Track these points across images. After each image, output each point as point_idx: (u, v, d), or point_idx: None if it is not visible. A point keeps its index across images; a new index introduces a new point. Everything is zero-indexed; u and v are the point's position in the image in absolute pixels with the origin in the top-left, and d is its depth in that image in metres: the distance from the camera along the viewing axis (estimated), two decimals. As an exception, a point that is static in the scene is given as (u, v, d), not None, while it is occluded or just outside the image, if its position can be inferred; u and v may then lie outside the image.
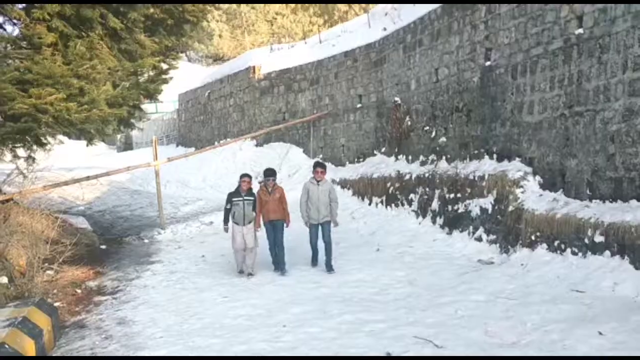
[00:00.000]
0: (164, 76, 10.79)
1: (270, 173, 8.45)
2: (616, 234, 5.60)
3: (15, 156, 8.93)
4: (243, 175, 8.47)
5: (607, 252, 5.70)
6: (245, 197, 8.15)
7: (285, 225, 8.36)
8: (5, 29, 10.30)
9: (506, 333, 4.81)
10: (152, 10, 10.47)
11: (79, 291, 8.45)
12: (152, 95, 10.46)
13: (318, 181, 8.14)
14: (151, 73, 10.69)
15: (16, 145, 8.57)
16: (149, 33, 10.77)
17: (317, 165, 8.42)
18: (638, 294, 5.03)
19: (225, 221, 8.40)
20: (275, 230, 8.25)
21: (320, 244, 8.26)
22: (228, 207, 8.26)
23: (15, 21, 9.71)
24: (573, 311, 4.99)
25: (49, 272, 8.93)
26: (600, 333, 4.43)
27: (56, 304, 7.57)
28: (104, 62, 9.30)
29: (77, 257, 9.21)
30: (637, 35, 5.92)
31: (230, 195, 8.28)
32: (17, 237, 8.92)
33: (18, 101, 7.52)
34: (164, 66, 11.18)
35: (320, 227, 8.11)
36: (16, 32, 10.00)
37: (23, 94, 7.66)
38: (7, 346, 5.16)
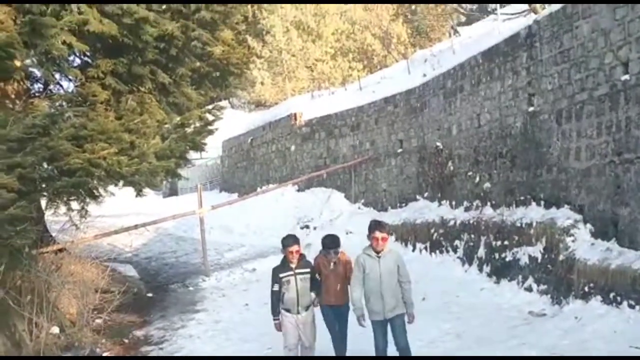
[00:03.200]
0: (209, 127, 11.12)
1: (331, 243, 5.90)
2: (676, 287, 5.36)
3: (70, 209, 9.28)
4: (287, 241, 5.84)
5: (667, 306, 5.45)
6: (298, 271, 5.71)
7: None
8: (62, 86, 10.90)
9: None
10: (198, 64, 10.89)
11: (126, 341, 8.58)
12: (198, 147, 10.78)
13: (378, 252, 5.29)
14: (197, 124, 11.04)
15: (70, 198, 8.92)
16: (196, 86, 11.18)
17: (375, 226, 5.36)
18: None
19: (275, 311, 5.81)
20: (338, 318, 5.91)
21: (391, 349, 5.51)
22: (276, 288, 5.73)
23: (71, 78, 10.27)
24: (634, 371, 4.75)
25: (98, 321, 9.14)
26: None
27: (105, 354, 7.72)
28: (153, 116, 9.67)
29: (125, 305, 9.41)
30: (687, 81, 5.79)
31: (276, 271, 5.79)
32: (68, 286, 9.19)
33: (73, 156, 7.86)
34: (210, 117, 11.53)
35: (388, 325, 5.40)
36: (71, 88, 10.56)
37: (78, 149, 8.00)
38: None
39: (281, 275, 5.72)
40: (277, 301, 5.76)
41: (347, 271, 5.80)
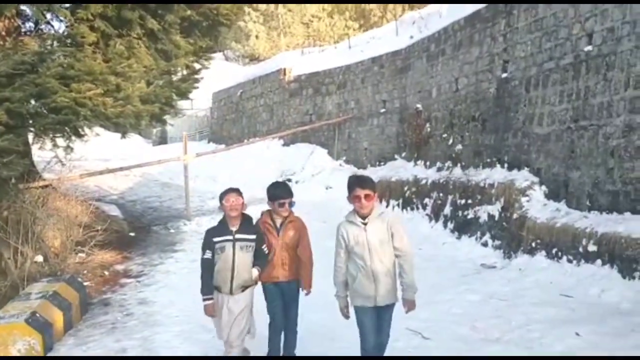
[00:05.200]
0: (195, 76, 11.36)
1: (281, 191, 4.62)
2: (608, 244, 5.87)
3: (55, 145, 9.61)
4: (227, 192, 4.42)
5: (599, 261, 5.96)
6: (239, 236, 4.34)
7: (303, 290, 4.65)
8: (52, 26, 11.06)
9: (491, 330, 5.15)
10: (188, 12, 11.05)
11: (106, 273, 9.07)
12: (183, 94, 11.03)
13: (364, 217, 3.96)
14: (184, 72, 11.28)
15: (56, 135, 9.24)
16: (185, 34, 11.36)
17: (355, 182, 4.00)
18: (621, 301, 5.29)
19: (206, 289, 4.36)
20: (284, 298, 4.61)
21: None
22: (207, 255, 4.35)
23: (62, 19, 10.44)
24: (557, 314, 5.29)
25: (80, 254, 9.61)
26: (577, 334, 4.73)
27: (85, 283, 8.20)
28: (141, 61, 9.91)
29: (107, 242, 9.88)
30: (640, 54, 6.16)
31: (210, 234, 4.40)
32: (53, 220, 9.61)
33: (60, 94, 8.15)
34: (197, 66, 11.76)
35: (376, 314, 4.03)
36: (62, 29, 10.74)
37: (65, 88, 8.28)
38: (38, 315, 5.76)
39: (215, 239, 4.31)
40: (208, 274, 4.32)
41: (300, 237, 4.57)
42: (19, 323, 5.52)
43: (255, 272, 4.40)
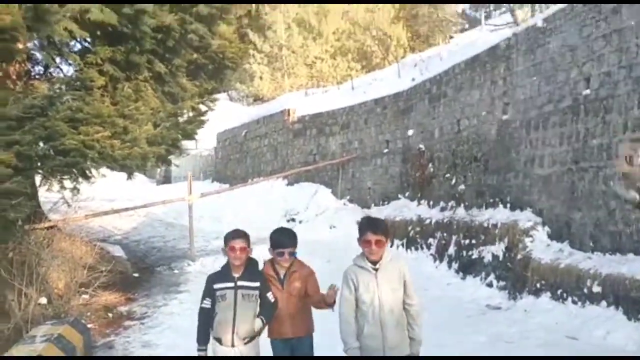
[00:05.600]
0: (201, 118, 11.58)
1: (282, 239, 4.14)
2: (612, 285, 5.88)
3: (62, 187, 9.75)
4: (232, 237, 4.06)
5: (604, 302, 5.97)
6: (242, 283, 3.99)
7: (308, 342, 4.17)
8: (62, 70, 11.36)
9: (497, 373, 5.11)
10: (194, 56, 11.36)
11: (110, 315, 9.04)
12: (189, 135, 11.24)
13: (375, 263, 3.71)
14: (190, 114, 11.51)
15: (64, 177, 9.39)
16: (191, 77, 11.64)
17: (367, 225, 3.77)
18: (627, 343, 5.27)
19: (201, 338, 4.06)
20: (293, 353, 4.12)
21: None
22: (206, 304, 4.03)
23: (70, 62, 10.73)
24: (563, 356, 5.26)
25: (84, 295, 9.61)
26: (584, 377, 4.70)
27: (89, 326, 8.18)
28: (148, 104, 10.14)
29: (111, 284, 9.88)
30: (637, 98, 6.30)
31: (211, 280, 4.07)
32: (57, 261, 9.66)
33: (68, 137, 8.33)
34: (203, 108, 12.00)
35: None
36: (70, 72, 11.02)
37: (73, 131, 8.46)
38: None
39: (216, 286, 3.98)
40: (204, 324, 4.02)
41: (307, 288, 4.07)
42: (24, 368, 5.50)
43: (258, 322, 3.97)
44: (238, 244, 3.98)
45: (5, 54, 8.63)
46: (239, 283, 3.97)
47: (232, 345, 3.95)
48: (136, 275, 11.66)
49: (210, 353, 4.02)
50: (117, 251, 12.89)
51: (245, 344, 3.97)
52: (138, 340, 7.48)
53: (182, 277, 11.62)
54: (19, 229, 9.13)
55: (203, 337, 4.03)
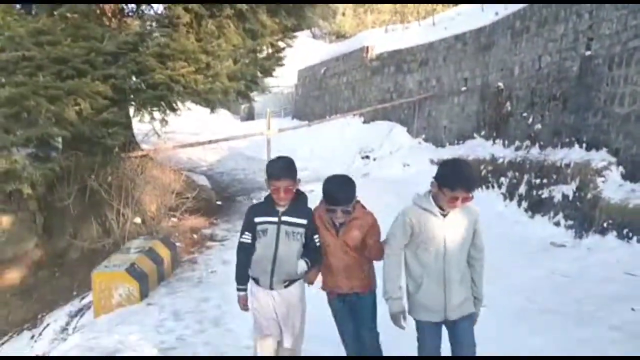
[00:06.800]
0: (279, 54, 11.91)
1: (340, 192, 3.47)
2: (679, 226, 5.79)
3: (153, 118, 10.56)
4: (273, 168, 3.53)
5: (669, 242, 5.91)
6: (286, 219, 3.51)
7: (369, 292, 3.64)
8: (152, 7, 12.00)
9: (548, 302, 5.31)
10: (274, -7, 11.56)
11: (195, 236, 9.96)
12: (267, 72, 11.61)
13: (445, 209, 3.18)
14: (269, 51, 11.86)
15: (153, 109, 10.17)
16: (271, 14, 11.91)
17: (463, 182, 3.12)
18: (686, 282, 5.27)
19: (239, 278, 3.67)
20: (353, 312, 3.64)
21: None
22: (246, 239, 3.57)
23: (159, 1, 11.31)
24: (617, 290, 5.35)
25: (173, 218, 10.59)
26: (633, 309, 4.81)
27: (176, 244, 9.10)
28: (229, 40, 10.57)
29: (196, 209, 10.81)
30: None
31: (253, 212, 3.60)
32: (150, 187, 10.65)
33: (157, 72, 8.99)
34: (281, 45, 12.30)
35: (449, 329, 3.31)
36: (160, 10, 11.63)
37: (161, 66, 9.11)
38: (136, 266, 6.59)
39: (257, 219, 3.51)
40: (244, 261, 3.59)
41: (369, 234, 3.50)
42: (120, 272, 6.37)
43: (302, 264, 3.50)
44: (283, 183, 3.40)
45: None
46: (283, 218, 3.48)
47: (271, 288, 3.52)
48: (219, 203, 12.57)
49: (249, 292, 3.64)
50: (202, 180, 13.86)
51: (286, 286, 3.53)
52: (218, 257, 8.28)
53: (260, 207, 12.39)
54: (116, 156, 10.12)
55: (243, 276, 3.63)
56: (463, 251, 3.19)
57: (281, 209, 3.49)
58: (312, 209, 3.59)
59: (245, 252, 3.57)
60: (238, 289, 3.66)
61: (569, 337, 4.47)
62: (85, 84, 8.09)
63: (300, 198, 3.55)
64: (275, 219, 3.49)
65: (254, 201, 13.15)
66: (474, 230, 3.22)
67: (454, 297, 3.18)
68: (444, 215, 3.14)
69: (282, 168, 3.46)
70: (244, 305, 3.67)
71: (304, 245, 3.52)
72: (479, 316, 3.34)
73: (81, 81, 8.10)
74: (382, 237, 3.49)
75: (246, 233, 3.56)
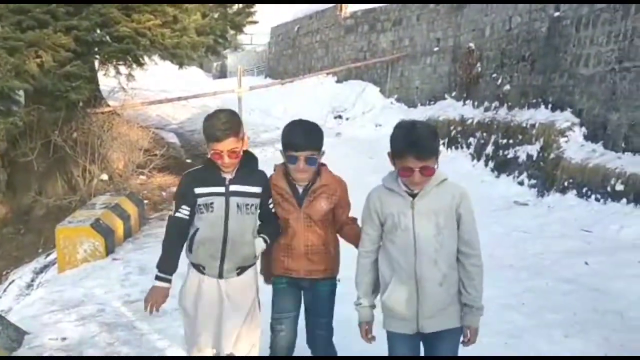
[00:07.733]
0: (250, 9, 11.63)
1: (302, 137, 2.74)
2: (634, 184, 5.99)
3: (118, 72, 10.31)
4: (214, 135, 2.60)
5: (624, 200, 6.11)
6: (235, 188, 2.69)
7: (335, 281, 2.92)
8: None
9: (507, 257, 5.48)
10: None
11: (163, 194, 9.90)
12: (237, 27, 11.35)
13: (411, 188, 2.39)
14: (239, 6, 11.57)
15: (119, 62, 9.92)
16: (243, -33, 11.58)
17: (411, 148, 2.30)
18: (638, 237, 5.47)
19: (165, 263, 2.71)
20: (306, 302, 2.92)
21: None
22: (182, 214, 2.70)
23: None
24: (573, 246, 5.55)
25: (141, 176, 10.49)
26: (586, 263, 5.01)
27: (145, 201, 9.04)
28: (197, -7, 10.30)
29: (165, 167, 10.70)
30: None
31: (190, 182, 2.74)
32: (117, 143, 10.48)
33: (122, 24, 8.72)
34: (252, -1, 12.00)
35: (425, 345, 2.52)
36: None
37: (127, 18, 8.84)
38: (101, 221, 6.54)
39: (198, 190, 2.69)
40: (175, 243, 2.75)
41: (336, 207, 2.86)
42: (85, 227, 6.31)
43: (260, 243, 2.78)
44: (226, 145, 2.61)
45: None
46: (232, 188, 2.69)
47: (220, 277, 2.72)
48: (189, 160, 12.44)
49: (188, 286, 2.77)
50: (172, 138, 13.70)
51: (239, 274, 2.76)
52: (186, 214, 8.25)
53: (230, 165, 12.33)
54: (81, 111, 9.90)
55: (170, 262, 2.71)
56: (442, 243, 2.39)
57: (228, 176, 2.69)
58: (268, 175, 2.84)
59: (179, 231, 2.73)
60: (159, 278, 2.69)
61: (521, 286, 4.64)
62: (46, 35, 7.82)
63: (248, 160, 2.76)
64: (222, 189, 2.68)
65: (225, 160, 13.14)
66: (458, 215, 2.42)
67: (429, 302, 2.40)
68: (413, 197, 2.40)
69: (225, 123, 2.61)
70: (157, 301, 2.68)
71: (260, 220, 2.81)
72: (476, 331, 2.45)
73: (42, 32, 7.83)
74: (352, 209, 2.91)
75: (183, 207, 2.71)
